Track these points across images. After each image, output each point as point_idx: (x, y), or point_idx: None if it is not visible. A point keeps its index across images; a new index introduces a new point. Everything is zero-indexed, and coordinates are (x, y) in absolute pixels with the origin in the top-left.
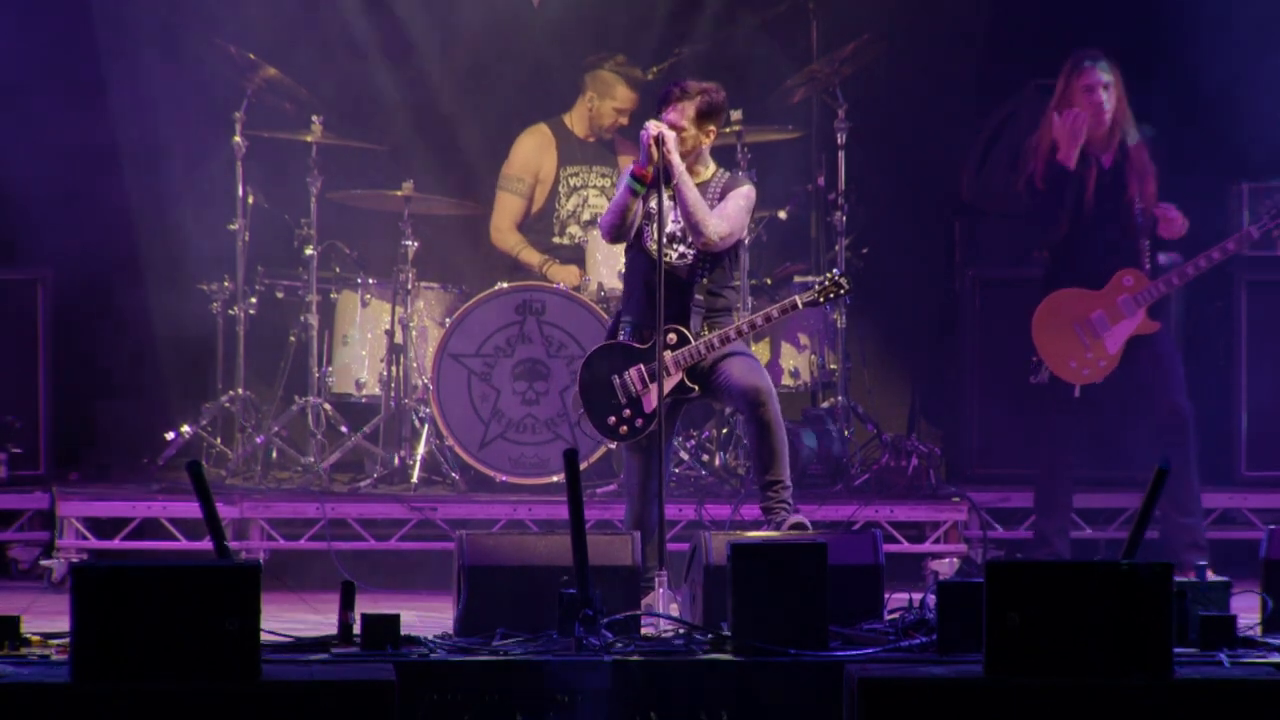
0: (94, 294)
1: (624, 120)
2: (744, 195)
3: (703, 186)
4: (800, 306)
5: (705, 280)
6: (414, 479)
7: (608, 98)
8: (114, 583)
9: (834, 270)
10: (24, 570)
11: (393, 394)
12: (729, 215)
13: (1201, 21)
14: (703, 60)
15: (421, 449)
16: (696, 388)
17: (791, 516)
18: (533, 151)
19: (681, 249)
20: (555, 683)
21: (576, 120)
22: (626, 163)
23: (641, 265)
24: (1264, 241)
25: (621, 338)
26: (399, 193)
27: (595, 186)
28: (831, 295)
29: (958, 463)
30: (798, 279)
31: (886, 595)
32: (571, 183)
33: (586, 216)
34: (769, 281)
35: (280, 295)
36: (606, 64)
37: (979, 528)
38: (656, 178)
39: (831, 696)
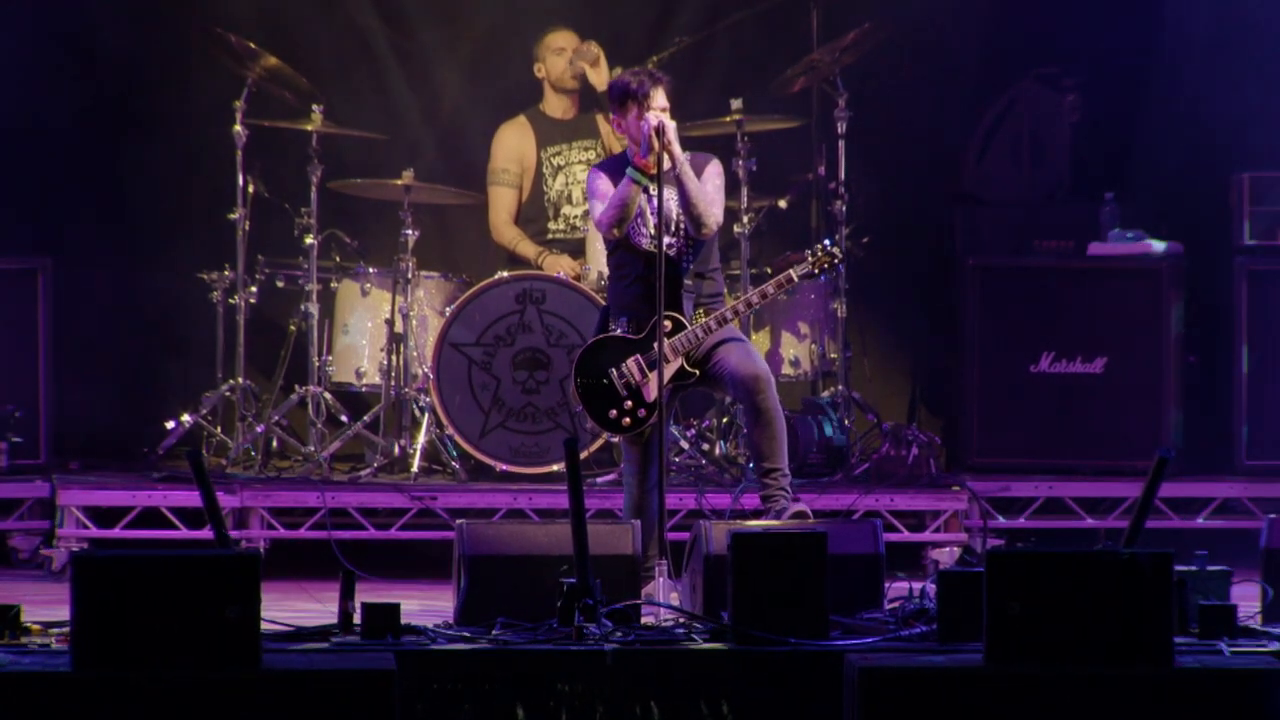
0: (94, 283)
1: (571, 55)
2: (718, 174)
3: None
4: (796, 280)
5: (692, 266)
6: (414, 468)
7: (548, 51)
8: (114, 571)
9: (825, 241)
10: (24, 559)
11: (393, 383)
12: (717, 200)
13: (1202, 11)
14: (702, 49)
15: (422, 438)
16: (696, 372)
17: (792, 505)
18: (512, 141)
19: (669, 239)
20: (555, 672)
21: (549, 102)
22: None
23: (630, 261)
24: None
25: (618, 331)
26: (399, 182)
27: (579, 162)
28: (826, 266)
29: (958, 452)
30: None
31: (887, 584)
32: (555, 162)
33: (577, 194)
34: (769, 271)
35: (280, 284)
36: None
37: (979, 517)
38: (658, 169)
39: (832, 686)
